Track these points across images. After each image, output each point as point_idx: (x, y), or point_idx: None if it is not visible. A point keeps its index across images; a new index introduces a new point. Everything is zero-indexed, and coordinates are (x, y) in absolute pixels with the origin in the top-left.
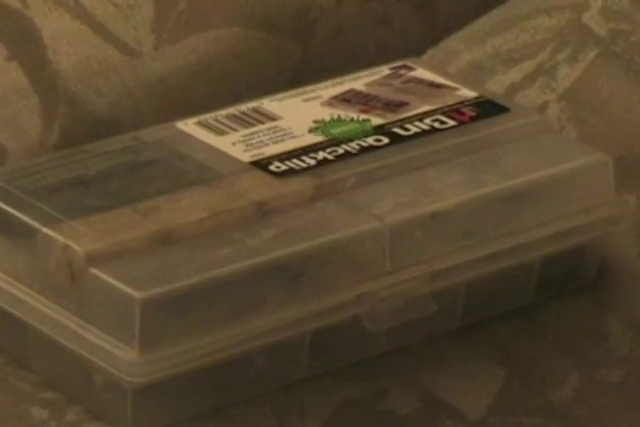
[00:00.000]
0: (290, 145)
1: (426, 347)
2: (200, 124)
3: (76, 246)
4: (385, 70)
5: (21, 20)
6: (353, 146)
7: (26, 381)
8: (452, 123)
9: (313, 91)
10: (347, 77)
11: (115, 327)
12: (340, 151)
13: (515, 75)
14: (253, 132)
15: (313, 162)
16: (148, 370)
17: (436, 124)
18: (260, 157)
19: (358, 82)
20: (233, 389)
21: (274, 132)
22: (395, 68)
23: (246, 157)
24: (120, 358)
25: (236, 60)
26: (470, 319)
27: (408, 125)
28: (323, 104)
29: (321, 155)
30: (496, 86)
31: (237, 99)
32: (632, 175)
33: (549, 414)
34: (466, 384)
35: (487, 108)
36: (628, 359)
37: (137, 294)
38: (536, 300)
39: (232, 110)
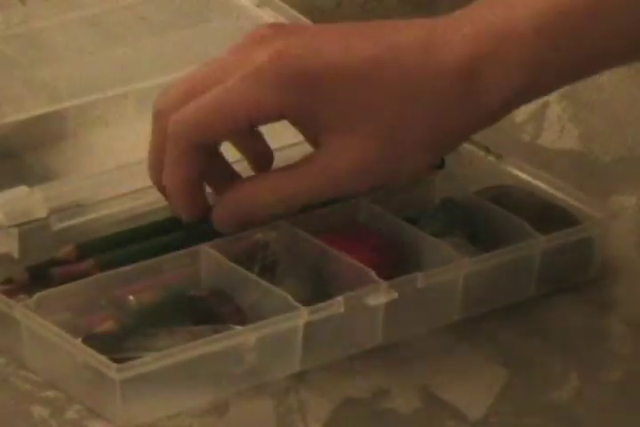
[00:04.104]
0: None
1: (426, 347)
2: None
3: None
4: None
5: None
6: None
7: (26, 380)
8: None
9: None
10: None
11: None
12: None
13: None
14: None
15: None
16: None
17: None
18: None
19: None
20: (225, 381)
21: None
22: None
23: None
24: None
25: None
26: (469, 313)
27: None
28: None
29: None
30: None
31: None
32: (633, 175)
33: (549, 414)
34: (466, 384)
35: None
36: (628, 359)
37: None
38: (537, 294)
39: None
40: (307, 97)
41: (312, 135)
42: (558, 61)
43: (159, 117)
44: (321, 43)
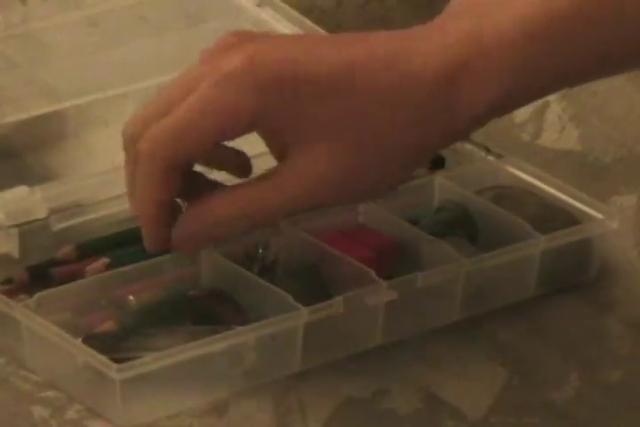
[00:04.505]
0: None
1: (426, 347)
2: None
3: None
4: None
5: None
6: None
7: (27, 380)
8: None
9: None
10: None
11: None
12: None
13: None
14: None
15: None
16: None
17: None
18: None
19: None
20: (225, 381)
21: None
22: None
23: None
24: None
25: None
26: (469, 313)
27: None
28: None
29: None
30: None
31: None
32: (633, 175)
33: (549, 414)
34: (466, 384)
35: None
36: (628, 359)
37: None
38: (536, 294)
39: None
40: (284, 102)
41: (282, 145)
42: (549, 67)
43: (132, 143)
44: (293, 48)
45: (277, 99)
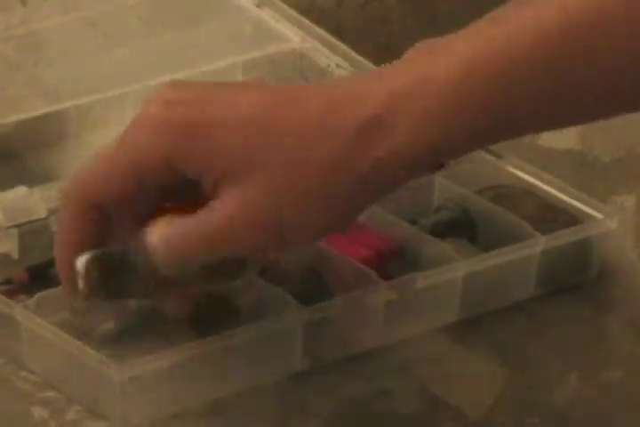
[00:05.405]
0: None
1: (426, 347)
2: None
3: None
4: None
5: None
6: None
7: (26, 381)
8: None
9: None
10: None
11: None
12: None
13: None
14: None
15: None
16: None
17: None
18: None
19: None
20: (224, 381)
21: None
22: None
23: None
24: None
25: None
26: (469, 313)
27: None
28: None
29: None
30: None
31: None
32: (632, 175)
33: (549, 414)
34: (466, 384)
35: None
36: (627, 359)
37: None
38: (535, 295)
39: None
40: (194, 144)
41: (207, 187)
42: (480, 122)
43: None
44: (213, 92)
45: (185, 140)
